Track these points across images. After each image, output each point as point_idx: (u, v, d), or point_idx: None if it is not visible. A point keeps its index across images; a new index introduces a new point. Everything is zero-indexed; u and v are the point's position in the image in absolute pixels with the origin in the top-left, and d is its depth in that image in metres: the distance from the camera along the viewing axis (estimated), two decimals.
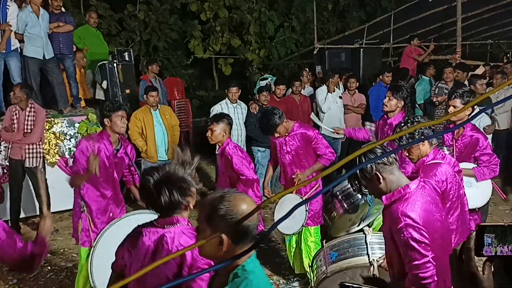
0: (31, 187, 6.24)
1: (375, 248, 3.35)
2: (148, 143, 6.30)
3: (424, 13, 11.02)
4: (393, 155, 2.43)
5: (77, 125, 6.67)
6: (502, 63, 9.60)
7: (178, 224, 2.21)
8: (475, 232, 1.21)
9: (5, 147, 6.19)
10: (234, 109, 6.64)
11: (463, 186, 3.25)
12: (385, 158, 2.33)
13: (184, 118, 9.46)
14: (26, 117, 5.93)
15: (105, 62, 7.36)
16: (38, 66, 6.66)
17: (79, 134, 6.61)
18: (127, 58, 7.60)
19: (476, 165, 4.02)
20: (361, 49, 10.13)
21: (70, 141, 6.60)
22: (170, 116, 6.55)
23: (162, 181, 2.19)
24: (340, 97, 7.60)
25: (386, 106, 4.59)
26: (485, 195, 4.07)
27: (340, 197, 4.17)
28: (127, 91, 7.36)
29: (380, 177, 2.34)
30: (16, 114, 5.93)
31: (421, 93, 7.86)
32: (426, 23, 11.59)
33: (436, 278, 2.26)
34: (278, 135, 4.37)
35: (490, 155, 4.01)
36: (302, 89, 7.82)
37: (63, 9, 7.31)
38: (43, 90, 6.92)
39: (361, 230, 3.57)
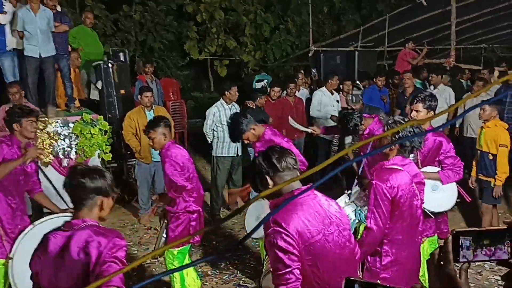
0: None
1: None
2: (142, 143, 6.29)
3: (419, 16, 11.10)
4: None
5: (71, 125, 6.64)
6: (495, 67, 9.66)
7: (85, 225, 2.17)
8: (451, 236, 1.22)
9: None
10: (229, 110, 6.64)
11: (419, 199, 3.07)
12: (278, 163, 2.25)
13: (179, 119, 9.46)
14: None
15: (100, 62, 7.35)
16: (35, 64, 6.61)
17: (73, 134, 6.59)
18: (122, 59, 7.60)
19: (440, 169, 4.02)
20: (356, 52, 10.17)
21: (64, 141, 6.58)
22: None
23: (87, 169, 2.29)
24: (338, 101, 7.63)
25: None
26: (452, 198, 4.09)
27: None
28: (122, 91, 7.34)
29: (269, 181, 2.25)
30: None
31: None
32: (421, 27, 11.67)
33: None
34: (247, 141, 4.32)
35: (454, 158, 4.01)
36: (297, 91, 7.85)
37: (59, 9, 7.29)
38: (39, 90, 6.90)
39: None
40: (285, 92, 7.76)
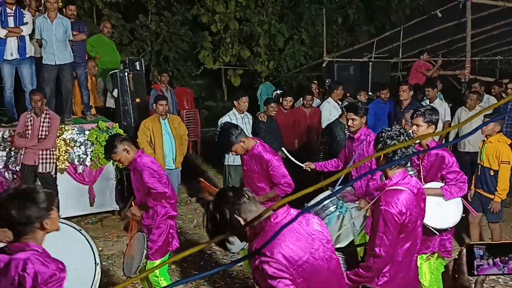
0: None
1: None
2: (156, 151, 6.36)
3: (434, 28, 11.08)
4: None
5: (87, 132, 6.75)
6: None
7: (28, 249, 2.12)
8: (465, 248, 1.24)
9: (16, 152, 6.28)
10: (241, 119, 6.69)
11: (422, 216, 2.98)
12: (238, 198, 2.14)
13: (193, 128, 9.54)
14: (41, 124, 6.01)
15: (116, 70, 7.46)
16: (52, 72, 6.73)
17: (89, 142, 6.70)
18: (138, 68, 7.71)
19: (443, 184, 3.94)
20: (370, 63, 10.18)
21: (80, 148, 6.69)
22: (178, 126, 6.62)
23: (14, 196, 2.18)
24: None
25: (353, 127, 4.59)
26: (457, 214, 3.97)
27: (310, 211, 4.01)
28: (137, 100, 7.44)
29: (241, 219, 2.11)
30: (31, 120, 6.00)
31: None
32: (436, 38, 11.64)
33: None
34: (234, 153, 4.22)
35: (457, 173, 3.91)
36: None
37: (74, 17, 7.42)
38: (57, 97, 7.01)
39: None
40: (300, 102, 7.79)
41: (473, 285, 1.26)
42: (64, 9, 7.25)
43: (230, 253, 5.13)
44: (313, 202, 3.80)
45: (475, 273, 1.22)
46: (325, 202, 3.78)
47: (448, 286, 1.29)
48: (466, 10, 9.55)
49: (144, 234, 4.00)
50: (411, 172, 3.72)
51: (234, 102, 6.72)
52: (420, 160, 4.02)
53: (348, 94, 8.15)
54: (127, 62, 7.70)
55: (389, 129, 3.02)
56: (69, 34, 6.76)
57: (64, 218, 6.58)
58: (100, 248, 5.97)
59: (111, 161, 6.78)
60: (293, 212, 2.20)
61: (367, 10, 14.41)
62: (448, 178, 3.90)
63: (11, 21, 6.47)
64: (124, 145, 3.94)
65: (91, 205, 6.84)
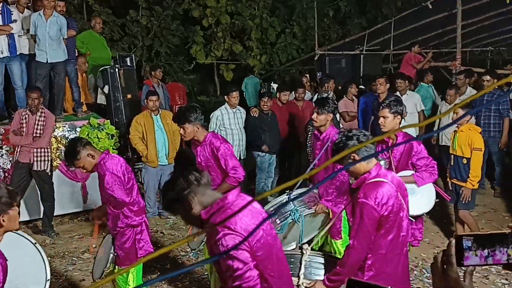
0: (37, 191, 6.24)
1: (311, 269, 3.08)
2: (149, 147, 6.35)
3: (425, 20, 11.09)
4: None
5: (78, 129, 6.73)
6: (501, 69, 9.63)
7: None
8: (454, 239, 1.25)
9: (7, 150, 6.24)
10: (233, 114, 6.69)
11: (405, 209, 2.93)
12: (194, 180, 2.23)
13: None
14: (36, 122, 5.95)
15: (107, 67, 7.43)
16: (44, 70, 6.70)
17: None
18: (128, 63, 7.67)
19: (414, 171, 3.98)
20: (362, 56, 10.19)
21: None
22: (171, 121, 6.60)
23: None
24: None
25: (316, 121, 4.45)
26: (430, 200, 4.02)
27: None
28: (129, 96, 7.42)
29: (192, 201, 2.21)
30: (25, 118, 5.95)
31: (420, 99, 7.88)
32: (427, 30, 11.66)
33: None
34: (184, 137, 4.20)
35: (426, 159, 3.97)
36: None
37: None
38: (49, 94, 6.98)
39: (300, 248, 3.28)
40: (292, 95, 7.80)
41: (463, 276, 1.27)
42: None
43: (192, 250, 5.02)
44: (269, 205, 3.78)
45: (464, 264, 1.23)
46: (280, 207, 3.75)
47: (437, 277, 1.30)
48: (457, 1, 9.55)
49: (112, 237, 3.84)
50: (382, 163, 3.74)
51: (225, 97, 6.73)
52: (390, 152, 4.03)
53: (339, 87, 8.17)
54: (117, 58, 7.66)
55: (357, 132, 3.03)
56: (63, 33, 6.73)
57: (56, 216, 6.59)
58: (94, 245, 5.98)
59: None
60: (244, 195, 2.32)
61: (358, 3, 14.39)
62: (418, 165, 3.95)
63: None
64: (88, 150, 3.68)
65: (84, 202, 6.83)
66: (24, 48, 6.82)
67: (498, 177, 7.21)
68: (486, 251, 1.21)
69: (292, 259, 3.08)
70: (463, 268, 1.25)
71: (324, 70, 9.94)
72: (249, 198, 2.38)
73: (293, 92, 7.83)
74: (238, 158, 6.50)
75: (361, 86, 8.51)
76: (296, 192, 3.83)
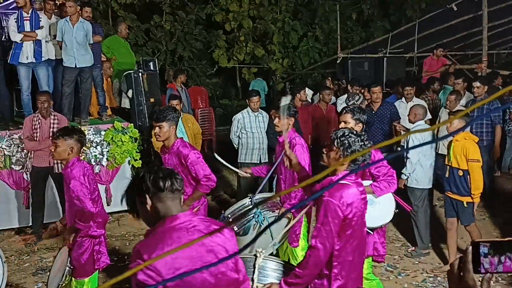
0: (55, 193, 6.34)
1: (266, 273, 2.94)
2: None
3: (450, 22, 10.94)
4: None
5: (103, 132, 6.85)
6: None
7: None
8: (471, 246, 1.23)
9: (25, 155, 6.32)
10: (255, 117, 6.71)
11: (365, 216, 2.83)
12: (160, 183, 2.06)
13: (207, 126, 9.60)
14: (51, 125, 6.05)
15: (130, 71, 7.55)
16: (72, 75, 6.83)
17: (105, 142, 6.79)
18: (152, 68, 7.78)
19: (373, 181, 3.80)
20: (385, 59, 10.11)
21: (96, 148, 6.78)
22: (192, 124, 6.67)
23: None
24: None
25: (278, 126, 4.35)
26: (389, 212, 3.82)
27: (230, 220, 3.65)
28: (152, 99, 7.52)
29: (147, 201, 2.08)
30: (38, 123, 6.04)
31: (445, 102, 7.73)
32: (452, 32, 11.49)
33: None
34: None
35: (385, 168, 3.79)
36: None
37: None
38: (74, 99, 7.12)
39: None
40: (317, 98, 7.77)
41: (480, 283, 1.25)
42: (80, 11, 7.36)
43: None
44: (231, 210, 3.64)
45: (482, 271, 1.21)
46: (244, 210, 3.61)
47: (453, 284, 1.28)
48: (482, 3, 9.42)
49: (68, 249, 3.69)
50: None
51: (247, 101, 6.77)
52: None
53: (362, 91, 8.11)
54: (141, 62, 7.78)
55: (349, 132, 2.85)
56: (89, 38, 6.85)
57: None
58: (116, 247, 6.07)
59: (127, 160, 6.90)
60: (196, 220, 2.10)
61: (382, 5, 14.28)
62: (376, 174, 3.80)
63: (27, 25, 6.59)
64: (75, 145, 3.58)
65: (107, 205, 6.93)
66: (51, 53, 6.98)
67: (487, 187, 6.55)
68: (503, 257, 1.20)
69: (246, 263, 2.94)
70: (479, 275, 1.23)
71: (346, 74, 9.90)
72: (202, 225, 2.09)
73: (317, 94, 7.80)
74: (258, 162, 6.59)
75: (387, 89, 8.43)
76: (259, 195, 3.72)
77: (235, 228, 3.52)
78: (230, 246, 2.12)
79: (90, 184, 3.61)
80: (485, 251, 1.20)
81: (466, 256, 1.23)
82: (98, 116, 7.49)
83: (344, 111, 3.91)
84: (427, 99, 7.79)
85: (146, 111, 7.37)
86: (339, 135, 2.82)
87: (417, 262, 5.43)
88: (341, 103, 7.48)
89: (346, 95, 7.55)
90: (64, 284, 3.58)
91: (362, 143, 2.78)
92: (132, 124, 7.11)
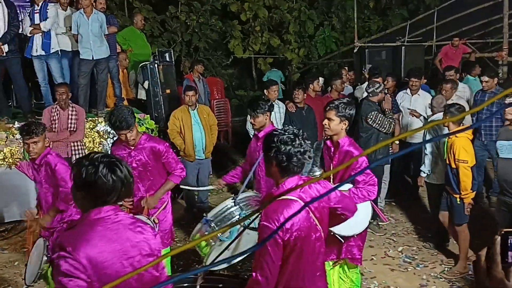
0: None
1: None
2: (186, 142, 6.43)
3: (469, 9, 10.71)
4: None
5: None
6: None
7: None
8: (499, 237, 1.19)
9: None
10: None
11: (319, 230, 2.45)
12: (104, 180, 1.99)
13: (223, 117, 9.60)
14: (69, 116, 6.13)
15: (146, 62, 7.57)
16: (89, 67, 6.88)
17: None
18: (167, 59, 7.78)
19: (352, 186, 3.51)
20: (403, 47, 9.94)
21: (113, 139, 6.83)
22: (208, 116, 6.66)
23: None
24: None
25: (254, 124, 4.24)
26: (364, 220, 3.53)
27: (213, 223, 3.50)
28: (168, 91, 7.53)
29: (77, 193, 2.05)
30: (57, 114, 6.10)
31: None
32: (471, 20, 11.25)
33: None
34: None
35: (366, 175, 3.47)
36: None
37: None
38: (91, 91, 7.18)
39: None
40: (329, 88, 7.68)
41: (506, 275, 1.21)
42: (94, 3, 7.38)
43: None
44: (214, 211, 3.51)
45: (509, 261, 1.17)
46: (227, 212, 3.45)
47: (480, 276, 1.24)
48: None
49: (44, 239, 3.76)
50: (317, 173, 3.50)
51: (265, 90, 6.67)
52: (331, 159, 3.68)
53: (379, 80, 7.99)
54: (157, 53, 7.78)
55: (281, 132, 2.47)
56: (104, 29, 6.88)
57: None
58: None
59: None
60: (122, 214, 2.07)
61: None
62: (356, 180, 3.47)
63: (37, 18, 6.65)
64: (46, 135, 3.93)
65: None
66: (67, 45, 7.02)
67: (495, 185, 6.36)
68: None
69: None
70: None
71: (363, 63, 9.76)
72: (127, 220, 2.07)
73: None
74: None
75: (406, 79, 8.27)
76: (242, 195, 3.55)
77: (219, 234, 3.29)
78: (154, 244, 2.11)
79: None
80: None
81: (494, 247, 1.19)
82: (110, 111, 7.52)
83: (328, 107, 3.64)
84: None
85: (162, 102, 7.39)
86: (277, 141, 2.42)
87: (436, 253, 5.37)
88: (361, 91, 7.39)
89: (366, 84, 7.45)
90: (44, 272, 3.63)
91: (299, 143, 2.40)
92: (148, 115, 7.13)
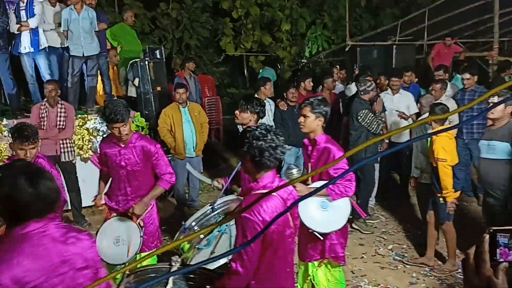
0: (62, 182, 6.34)
1: (180, 282, 2.76)
2: (177, 140, 6.39)
3: (460, 8, 10.76)
4: None
5: None
6: None
7: None
8: (488, 235, 1.18)
9: None
10: None
11: (291, 227, 2.52)
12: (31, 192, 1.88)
13: (215, 115, 9.57)
14: (58, 114, 6.06)
15: (137, 60, 7.51)
16: (79, 63, 6.82)
17: None
18: (158, 56, 7.73)
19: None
20: (394, 46, 9.97)
21: (102, 137, 6.78)
22: (199, 113, 6.62)
23: None
24: None
25: (238, 118, 4.05)
26: (341, 218, 3.51)
27: (195, 229, 3.43)
28: (158, 88, 7.48)
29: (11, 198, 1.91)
30: (46, 111, 6.04)
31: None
32: (462, 19, 11.31)
33: None
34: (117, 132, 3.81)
35: (342, 170, 3.41)
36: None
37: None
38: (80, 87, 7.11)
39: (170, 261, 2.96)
40: (320, 87, 7.67)
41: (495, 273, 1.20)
42: None
43: None
44: (192, 218, 3.45)
45: (498, 259, 1.16)
46: (205, 219, 3.40)
47: (468, 274, 1.23)
48: None
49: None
50: (294, 172, 3.51)
51: (262, 88, 6.57)
52: (309, 158, 3.64)
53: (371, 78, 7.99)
54: (147, 50, 7.73)
55: (254, 128, 2.52)
56: (94, 25, 6.81)
57: (88, 207, 6.72)
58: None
59: None
60: (51, 226, 1.93)
61: None
62: (332, 176, 3.40)
63: (23, 15, 6.56)
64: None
65: None
66: (56, 41, 6.94)
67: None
68: None
69: (158, 273, 2.84)
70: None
71: (355, 62, 9.78)
72: (58, 233, 1.94)
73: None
74: None
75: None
76: (220, 201, 3.49)
77: (201, 236, 3.20)
78: (90, 255, 2.00)
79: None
80: (504, 241, 1.15)
81: (483, 245, 1.18)
82: (104, 105, 7.47)
83: (303, 104, 3.61)
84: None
85: (152, 100, 7.34)
86: (250, 136, 2.46)
87: (425, 251, 5.38)
88: (351, 90, 7.38)
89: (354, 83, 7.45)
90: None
91: (271, 138, 2.44)
92: (138, 113, 7.08)
